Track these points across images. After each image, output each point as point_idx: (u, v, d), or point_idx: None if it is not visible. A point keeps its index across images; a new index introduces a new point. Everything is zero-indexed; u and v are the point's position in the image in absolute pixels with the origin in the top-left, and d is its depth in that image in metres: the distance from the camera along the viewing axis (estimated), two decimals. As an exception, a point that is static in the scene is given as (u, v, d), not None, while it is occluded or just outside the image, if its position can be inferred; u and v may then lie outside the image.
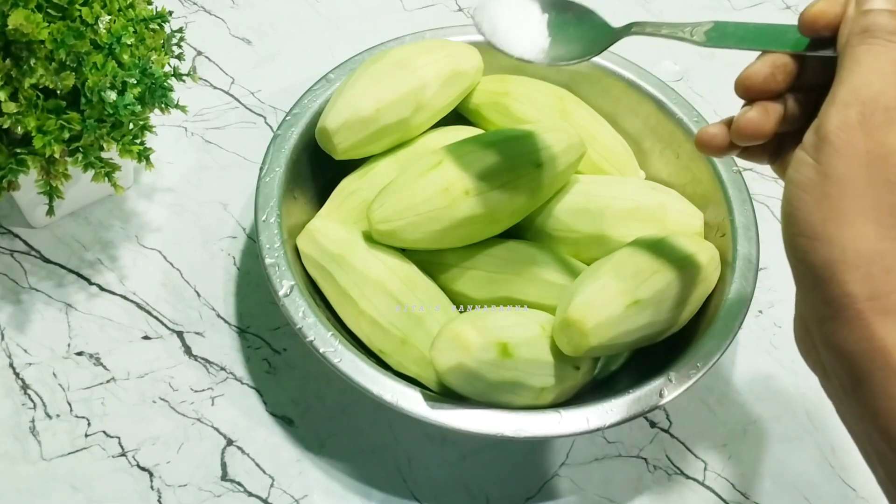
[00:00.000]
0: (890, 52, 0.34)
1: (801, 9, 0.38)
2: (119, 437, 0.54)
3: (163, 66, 0.53)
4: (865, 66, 0.34)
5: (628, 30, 0.46)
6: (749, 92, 0.39)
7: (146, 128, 0.53)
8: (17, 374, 0.56)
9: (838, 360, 0.33)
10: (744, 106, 0.40)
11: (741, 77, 0.39)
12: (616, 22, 0.47)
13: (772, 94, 0.39)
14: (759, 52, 0.40)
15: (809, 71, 0.39)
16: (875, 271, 0.32)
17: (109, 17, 0.50)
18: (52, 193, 0.52)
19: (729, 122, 0.41)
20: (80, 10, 0.49)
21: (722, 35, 0.41)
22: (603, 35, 0.47)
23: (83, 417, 0.54)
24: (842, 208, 0.33)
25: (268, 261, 0.52)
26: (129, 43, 0.50)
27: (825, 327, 0.34)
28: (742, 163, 0.48)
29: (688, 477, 0.56)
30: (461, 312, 0.55)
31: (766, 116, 0.39)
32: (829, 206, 0.33)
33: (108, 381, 0.56)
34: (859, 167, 0.33)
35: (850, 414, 0.34)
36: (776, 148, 0.41)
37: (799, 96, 0.40)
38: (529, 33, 0.48)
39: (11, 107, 0.47)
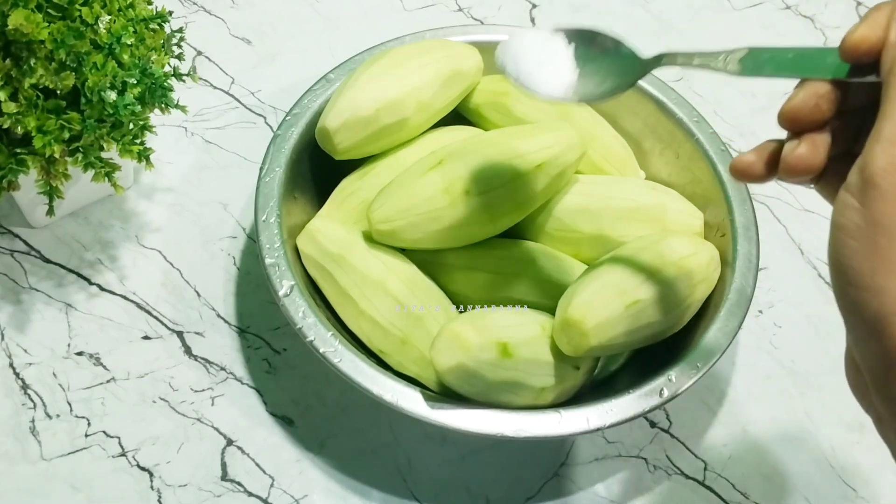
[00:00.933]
0: None
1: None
2: (119, 437, 0.54)
3: (163, 66, 0.53)
4: None
5: (658, 61, 0.43)
6: (795, 124, 0.36)
7: (146, 128, 0.53)
8: (17, 374, 0.56)
9: (894, 411, 0.32)
10: (788, 138, 0.37)
11: (786, 110, 0.37)
12: (616, 21, 0.47)
13: (817, 124, 0.36)
14: (798, 80, 0.37)
15: (852, 93, 0.36)
16: None
17: (109, 17, 0.50)
18: (52, 193, 0.52)
19: (766, 152, 0.38)
20: (80, 10, 0.49)
21: (757, 63, 0.39)
22: (631, 67, 0.45)
23: (83, 417, 0.54)
24: (892, 258, 0.31)
25: (268, 261, 0.52)
26: (129, 43, 0.50)
27: (879, 379, 0.32)
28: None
29: (688, 477, 0.56)
30: (461, 312, 0.55)
31: (815, 151, 0.36)
32: (878, 255, 0.31)
33: (108, 381, 0.56)
34: None
35: None
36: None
37: (843, 119, 0.37)
38: (555, 70, 0.46)
39: (11, 107, 0.47)
